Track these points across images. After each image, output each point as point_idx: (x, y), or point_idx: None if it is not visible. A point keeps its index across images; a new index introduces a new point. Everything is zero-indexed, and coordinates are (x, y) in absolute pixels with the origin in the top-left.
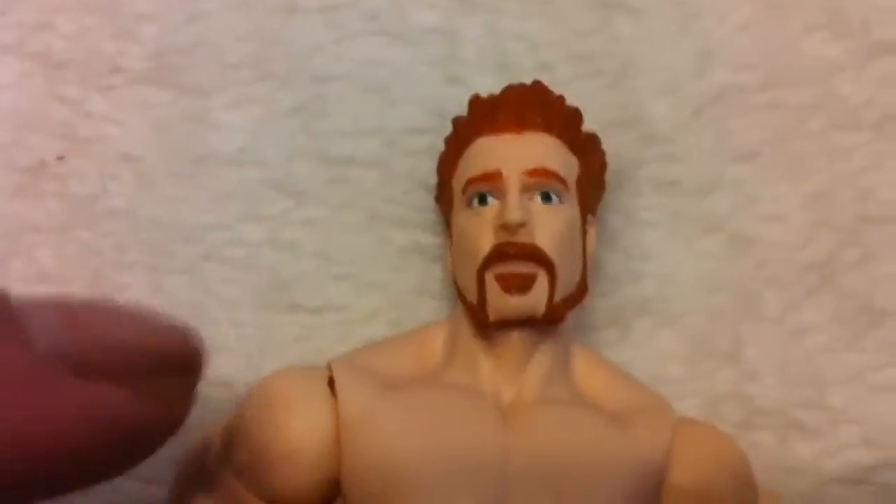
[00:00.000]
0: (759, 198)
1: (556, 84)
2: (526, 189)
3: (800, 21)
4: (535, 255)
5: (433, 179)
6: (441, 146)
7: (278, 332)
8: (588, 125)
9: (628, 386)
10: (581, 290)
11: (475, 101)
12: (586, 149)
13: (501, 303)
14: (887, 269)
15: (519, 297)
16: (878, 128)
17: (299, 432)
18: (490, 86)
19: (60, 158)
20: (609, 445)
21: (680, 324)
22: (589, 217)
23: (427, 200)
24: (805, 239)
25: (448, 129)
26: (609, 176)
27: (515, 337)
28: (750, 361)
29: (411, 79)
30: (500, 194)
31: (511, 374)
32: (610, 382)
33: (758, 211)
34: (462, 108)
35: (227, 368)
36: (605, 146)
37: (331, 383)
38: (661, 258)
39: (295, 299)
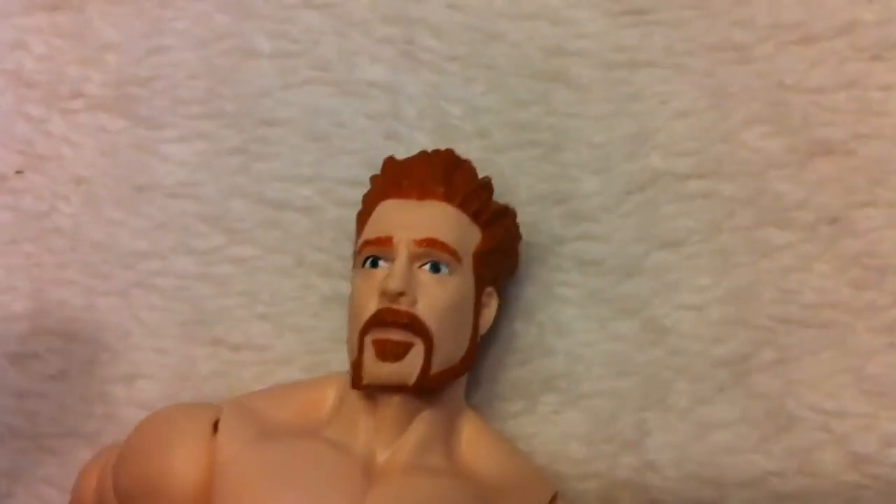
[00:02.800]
0: (680, 287)
1: (491, 151)
2: (415, 258)
3: (742, 113)
4: (413, 325)
5: None
6: None
7: (199, 364)
8: (518, 195)
9: (513, 461)
10: (465, 363)
11: (388, 163)
12: (492, 221)
13: (374, 368)
14: (802, 373)
15: (391, 365)
16: (812, 229)
17: (174, 469)
18: (426, 145)
19: (19, 173)
20: None
21: (586, 404)
22: (488, 289)
23: (351, 251)
24: (721, 334)
25: None
26: (530, 248)
27: (396, 401)
28: (651, 451)
29: (352, 130)
30: (391, 260)
31: (388, 437)
32: (494, 455)
33: (677, 300)
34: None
35: (148, 394)
36: (532, 218)
37: (215, 426)
38: (574, 336)
39: (218, 334)
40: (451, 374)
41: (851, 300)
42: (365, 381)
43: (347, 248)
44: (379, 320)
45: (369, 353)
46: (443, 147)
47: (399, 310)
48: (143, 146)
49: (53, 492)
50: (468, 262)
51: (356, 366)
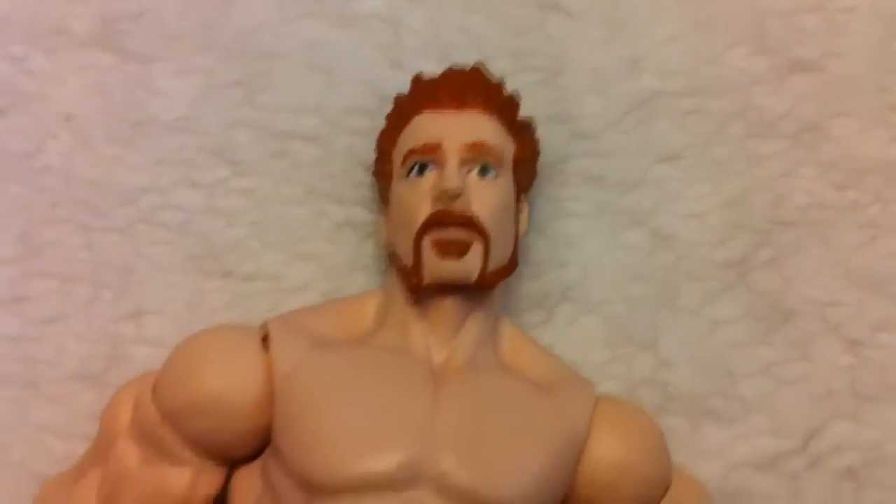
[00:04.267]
0: (681, 197)
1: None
2: (464, 162)
3: (724, 36)
4: (471, 224)
5: (371, 158)
6: (380, 127)
7: (209, 297)
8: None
9: (552, 362)
10: (512, 264)
11: (418, 80)
12: (522, 132)
13: (436, 266)
14: (797, 270)
15: (453, 262)
16: (794, 138)
17: (232, 384)
18: (431, 73)
19: (1, 113)
20: (534, 412)
21: (601, 311)
22: (522, 197)
23: (364, 178)
24: (722, 238)
25: (388, 111)
26: (539, 167)
27: (449, 303)
28: (665, 349)
29: (355, 61)
30: (439, 165)
31: (443, 339)
32: (535, 357)
33: (679, 209)
34: (403, 92)
35: (156, 330)
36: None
37: (264, 342)
38: (584, 247)
39: (227, 266)
40: (502, 274)
41: (836, 200)
42: (427, 281)
43: (358, 176)
44: (438, 221)
45: (429, 254)
46: None
47: (457, 210)
48: (136, 82)
49: (55, 440)
50: (508, 167)
51: (416, 266)
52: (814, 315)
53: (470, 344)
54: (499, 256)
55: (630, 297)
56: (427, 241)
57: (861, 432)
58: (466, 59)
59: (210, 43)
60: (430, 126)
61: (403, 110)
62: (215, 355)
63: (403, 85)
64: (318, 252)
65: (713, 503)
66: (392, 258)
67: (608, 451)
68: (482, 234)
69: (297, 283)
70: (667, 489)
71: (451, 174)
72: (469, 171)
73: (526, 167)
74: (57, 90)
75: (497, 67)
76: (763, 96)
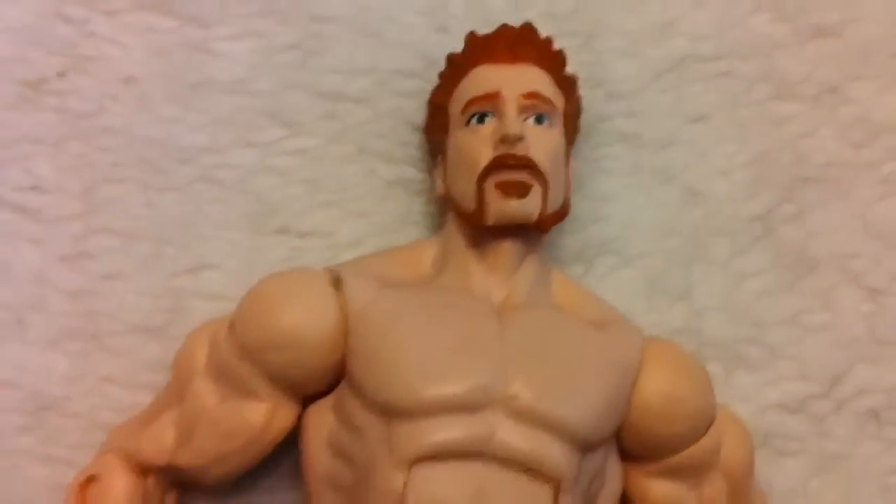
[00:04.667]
0: (710, 155)
1: None
2: (522, 110)
3: (748, 2)
4: (531, 166)
5: (419, 119)
6: (428, 90)
7: (266, 252)
8: None
9: (601, 304)
10: (565, 209)
11: (473, 36)
12: (569, 87)
13: (501, 206)
14: (820, 223)
15: (516, 202)
16: (815, 99)
17: (309, 317)
18: None
19: (61, 75)
20: (590, 345)
21: (638, 263)
22: (569, 148)
23: (413, 138)
24: (749, 193)
25: (434, 73)
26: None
27: (507, 245)
28: (699, 300)
29: (402, 26)
30: (499, 113)
31: (501, 279)
32: (585, 299)
33: (709, 166)
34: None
35: (216, 284)
36: None
37: (333, 283)
38: (621, 203)
39: (283, 222)
40: (557, 217)
41: (853, 158)
42: (491, 221)
43: (407, 135)
44: (500, 164)
45: (492, 195)
46: None
47: (518, 154)
48: (194, 45)
49: (118, 389)
50: (559, 118)
51: (480, 207)
52: (836, 266)
53: (527, 284)
54: (554, 200)
55: (665, 251)
56: (490, 183)
57: (882, 376)
58: (509, 22)
59: (266, 7)
60: (488, 77)
61: (459, 65)
62: (291, 293)
63: (448, 48)
64: (370, 209)
65: (752, 440)
66: (450, 205)
67: (658, 385)
68: (541, 176)
69: (350, 238)
70: (711, 423)
71: (512, 120)
72: (526, 119)
73: (571, 121)
74: (118, 52)
75: (539, 31)
76: (785, 59)
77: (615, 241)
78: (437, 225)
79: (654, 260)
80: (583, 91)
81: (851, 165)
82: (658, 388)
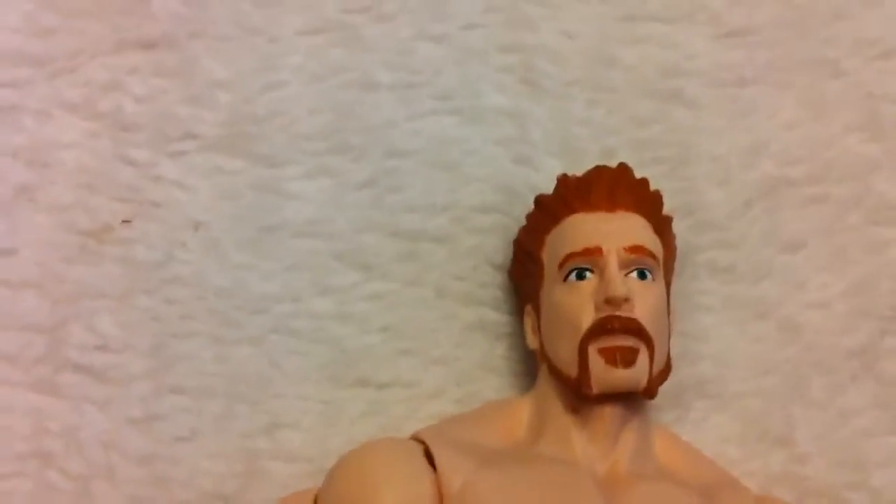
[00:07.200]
0: (806, 286)
1: None
2: (624, 265)
3: (840, 122)
4: (638, 330)
5: (500, 257)
6: (508, 224)
7: (345, 406)
8: None
9: (704, 462)
10: (668, 367)
11: (565, 179)
12: (666, 230)
13: (606, 375)
14: None
15: (623, 371)
16: None
17: (401, 501)
18: (556, 168)
19: (126, 222)
20: None
21: (735, 405)
22: (669, 296)
23: (493, 277)
24: (848, 326)
25: (515, 207)
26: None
27: (608, 411)
28: (800, 443)
29: (480, 157)
30: (599, 270)
31: (604, 448)
32: (688, 459)
33: (805, 298)
34: (529, 188)
35: (294, 443)
36: None
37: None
38: (716, 342)
39: (362, 374)
40: (662, 378)
41: None
42: (596, 390)
43: (487, 275)
44: (607, 328)
45: (597, 362)
46: (572, 170)
47: (625, 316)
48: (264, 185)
49: None
50: (660, 268)
51: (583, 375)
52: None
53: (630, 452)
54: (659, 360)
55: (763, 391)
56: (594, 350)
57: None
58: (590, 151)
59: (339, 143)
60: (586, 229)
61: (551, 211)
62: (387, 474)
63: (528, 180)
64: (450, 356)
65: None
66: (544, 363)
67: None
68: (647, 340)
69: (432, 388)
70: None
71: (616, 280)
72: (628, 274)
73: (670, 265)
74: (185, 196)
75: (621, 159)
76: (881, 182)
77: (711, 382)
78: (519, 372)
79: (751, 402)
80: (672, 222)
81: None
82: None
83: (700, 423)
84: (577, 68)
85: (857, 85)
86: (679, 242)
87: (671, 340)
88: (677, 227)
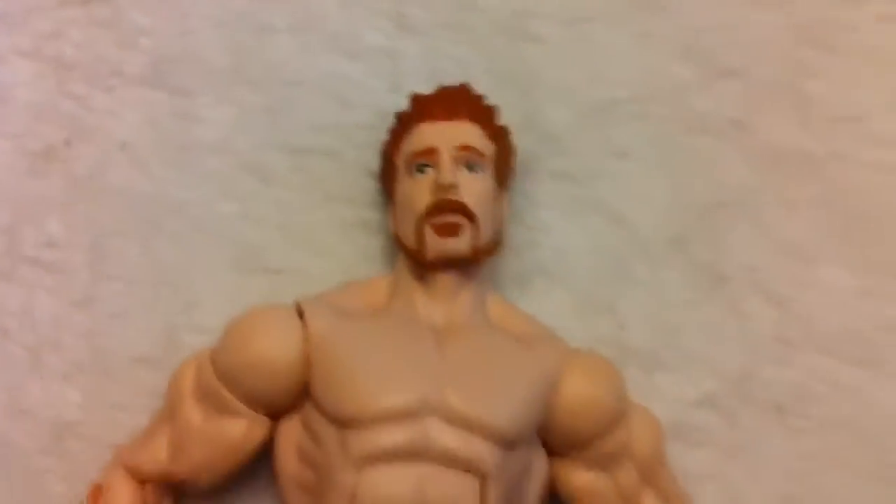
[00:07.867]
0: (631, 186)
1: None
2: (456, 161)
3: (663, 51)
4: (463, 210)
5: (376, 166)
6: (383, 140)
7: (248, 289)
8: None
9: (530, 322)
10: (496, 243)
11: (416, 97)
12: (500, 137)
13: (437, 244)
14: (730, 242)
15: (450, 240)
16: (721, 132)
17: (276, 346)
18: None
19: (68, 144)
20: (517, 359)
21: (569, 284)
22: (501, 190)
23: (371, 183)
24: (667, 219)
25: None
26: (516, 166)
27: (445, 276)
28: (622, 313)
29: (362, 88)
30: (436, 164)
31: (442, 305)
32: (516, 318)
33: (630, 195)
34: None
35: (206, 319)
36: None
37: (300, 316)
38: (555, 232)
39: (262, 263)
40: (488, 251)
41: (760, 183)
42: (430, 257)
43: (367, 182)
44: (437, 208)
45: (431, 235)
46: None
47: (454, 199)
48: (181, 112)
49: (123, 414)
50: (490, 165)
51: (420, 246)
52: (745, 282)
53: (465, 308)
54: (486, 236)
55: (593, 271)
56: (428, 225)
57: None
58: (453, 81)
59: (241, 77)
60: (427, 134)
61: (404, 122)
62: (261, 325)
63: (400, 105)
64: (336, 248)
65: (662, 431)
66: (399, 243)
67: (576, 388)
68: (471, 217)
69: (319, 275)
70: (622, 418)
71: (446, 171)
72: (459, 168)
73: (502, 166)
74: (115, 123)
75: (480, 87)
76: (693, 98)
77: (549, 265)
78: (392, 262)
79: (583, 280)
80: (518, 135)
81: (758, 190)
82: (576, 392)
83: (540, 298)
84: (443, 11)
85: (678, 19)
86: (524, 152)
87: (514, 230)
88: (523, 139)
